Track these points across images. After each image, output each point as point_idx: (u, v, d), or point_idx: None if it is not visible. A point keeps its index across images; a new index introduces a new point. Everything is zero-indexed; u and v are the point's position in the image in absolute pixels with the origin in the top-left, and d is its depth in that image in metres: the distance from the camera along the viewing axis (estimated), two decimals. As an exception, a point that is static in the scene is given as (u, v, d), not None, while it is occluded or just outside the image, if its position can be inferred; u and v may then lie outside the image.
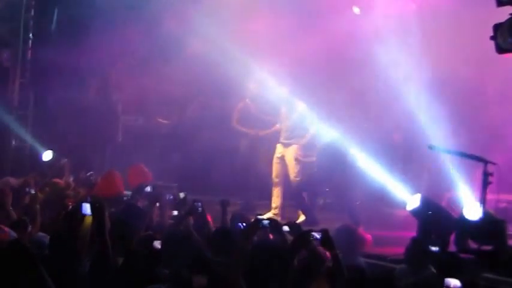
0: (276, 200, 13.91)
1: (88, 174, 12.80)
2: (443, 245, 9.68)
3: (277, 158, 13.99)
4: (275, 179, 14.03)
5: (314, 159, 14.12)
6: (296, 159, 13.87)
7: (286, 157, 13.93)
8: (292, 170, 13.91)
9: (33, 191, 9.71)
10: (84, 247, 7.00)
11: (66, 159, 13.41)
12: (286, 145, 13.95)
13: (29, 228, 8.31)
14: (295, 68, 14.21)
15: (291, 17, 14.59)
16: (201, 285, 6.14)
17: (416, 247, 8.28)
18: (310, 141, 14.07)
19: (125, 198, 10.67)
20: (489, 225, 9.83)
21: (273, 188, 14.03)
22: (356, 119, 14.68)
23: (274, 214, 13.38)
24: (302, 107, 13.85)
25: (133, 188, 11.21)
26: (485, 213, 10.10)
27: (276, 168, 14.02)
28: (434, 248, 8.37)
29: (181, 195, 10.00)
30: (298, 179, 13.87)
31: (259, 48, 14.22)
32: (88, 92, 16.07)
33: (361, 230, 9.98)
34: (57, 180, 11.25)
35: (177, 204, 10.04)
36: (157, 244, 6.59)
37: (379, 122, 14.85)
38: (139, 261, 6.42)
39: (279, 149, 14.01)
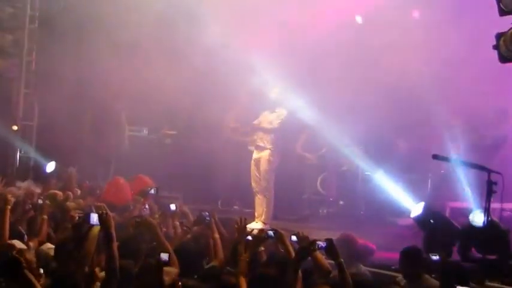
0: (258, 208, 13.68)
1: (92, 183, 12.83)
2: (447, 254, 9.69)
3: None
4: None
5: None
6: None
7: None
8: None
9: (40, 201, 9.72)
10: (90, 257, 7.00)
11: (73, 169, 13.46)
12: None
13: (25, 238, 8.28)
14: (297, 72, 14.23)
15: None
16: None
17: (407, 259, 8.16)
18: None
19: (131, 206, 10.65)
20: (493, 235, 9.83)
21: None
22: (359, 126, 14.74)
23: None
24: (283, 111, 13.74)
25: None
26: (490, 223, 10.11)
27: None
28: (434, 257, 8.35)
29: (172, 207, 9.97)
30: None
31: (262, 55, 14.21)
32: (92, 103, 16.09)
33: (364, 239, 10.00)
34: (55, 192, 11.24)
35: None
36: (164, 256, 6.59)
37: (382, 130, 14.85)
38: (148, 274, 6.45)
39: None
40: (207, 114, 15.66)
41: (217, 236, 8.29)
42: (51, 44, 15.71)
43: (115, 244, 6.50)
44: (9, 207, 8.29)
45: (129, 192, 12.00)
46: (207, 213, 8.77)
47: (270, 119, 13.64)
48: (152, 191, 10.64)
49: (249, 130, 14.04)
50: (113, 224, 6.62)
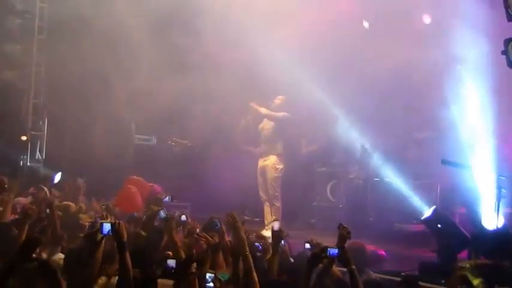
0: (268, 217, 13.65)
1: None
2: (452, 259, 9.68)
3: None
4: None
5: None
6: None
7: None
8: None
9: (48, 211, 9.71)
10: (98, 266, 7.00)
11: (81, 180, 13.47)
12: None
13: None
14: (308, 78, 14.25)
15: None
16: None
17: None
18: None
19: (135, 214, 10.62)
20: (505, 240, 9.81)
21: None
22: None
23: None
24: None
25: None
26: (502, 228, 10.10)
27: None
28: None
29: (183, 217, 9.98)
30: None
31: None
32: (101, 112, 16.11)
33: (374, 246, 10.00)
34: (69, 203, 11.25)
35: None
36: (171, 263, 6.59)
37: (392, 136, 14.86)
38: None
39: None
40: (216, 122, 15.73)
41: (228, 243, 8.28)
42: (60, 54, 15.74)
43: (127, 253, 6.50)
44: (29, 221, 8.20)
45: (140, 201, 12.01)
46: (217, 220, 8.77)
47: (271, 124, 13.64)
48: (166, 199, 10.63)
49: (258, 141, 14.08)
50: (125, 233, 6.62)
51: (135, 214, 10.67)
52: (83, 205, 11.38)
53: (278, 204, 13.51)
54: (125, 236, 6.57)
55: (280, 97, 13.66)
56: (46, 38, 16.57)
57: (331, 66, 14.28)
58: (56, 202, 10.55)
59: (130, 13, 14.88)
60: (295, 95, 14.03)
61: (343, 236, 6.82)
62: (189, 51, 15.14)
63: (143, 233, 8.40)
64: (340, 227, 7.08)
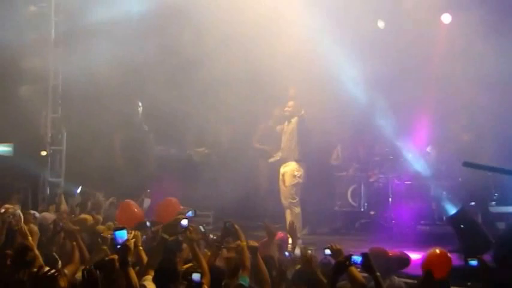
0: None
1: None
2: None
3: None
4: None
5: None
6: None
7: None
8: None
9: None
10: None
11: (100, 194, 13.49)
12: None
13: (59, 265, 8.19)
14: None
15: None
16: None
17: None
18: None
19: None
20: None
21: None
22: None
23: None
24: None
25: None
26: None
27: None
28: (472, 262, 8.24)
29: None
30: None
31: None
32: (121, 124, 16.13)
33: (398, 250, 9.91)
34: (85, 216, 11.24)
35: None
36: (196, 277, 6.55)
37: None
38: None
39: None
40: (235, 130, 15.71)
41: (244, 244, 8.22)
42: (77, 67, 15.77)
43: (131, 269, 6.48)
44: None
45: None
46: (229, 223, 8.69)
47: (290, 130, 13.59)
48: (190, 214, 10.56)
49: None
50: (130, 252, 6.61)
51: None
52: (100, 217, 11.36)
53: (297, 210, 13.45)
54: (129, 255, 6.57)
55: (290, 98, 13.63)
56: (62, 51, 16.56)
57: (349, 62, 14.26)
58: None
59: (143, 21, 14.93)
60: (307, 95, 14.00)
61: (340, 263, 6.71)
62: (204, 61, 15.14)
63: (167, 236, 8.33)
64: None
